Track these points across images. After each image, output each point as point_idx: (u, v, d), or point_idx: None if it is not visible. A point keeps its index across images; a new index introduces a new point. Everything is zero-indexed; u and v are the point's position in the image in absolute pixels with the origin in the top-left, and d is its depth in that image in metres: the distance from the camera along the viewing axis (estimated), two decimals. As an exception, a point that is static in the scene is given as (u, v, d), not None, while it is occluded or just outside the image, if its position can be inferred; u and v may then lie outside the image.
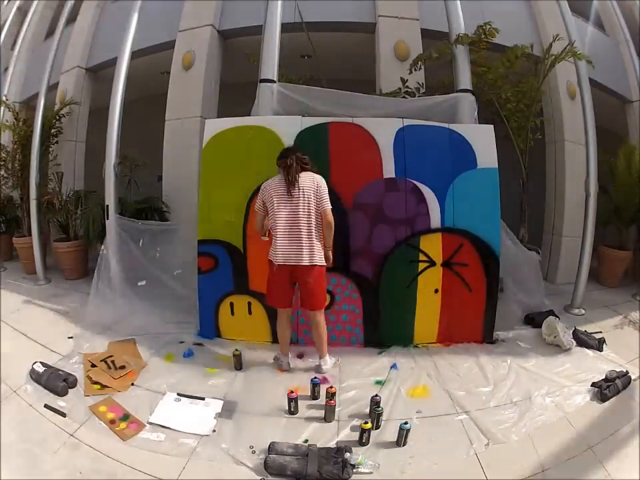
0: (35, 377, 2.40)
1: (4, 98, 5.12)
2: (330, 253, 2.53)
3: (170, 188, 4.30)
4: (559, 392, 2.38)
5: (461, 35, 3.42)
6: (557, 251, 4.60)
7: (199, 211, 2.99)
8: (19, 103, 5.53)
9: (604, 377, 2.45)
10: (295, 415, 2.17)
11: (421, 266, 2.91)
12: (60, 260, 4.59)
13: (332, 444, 1.95)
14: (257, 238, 2.74)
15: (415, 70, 3.71)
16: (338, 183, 2.87)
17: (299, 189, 2.35)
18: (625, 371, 2.53)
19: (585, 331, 3.17)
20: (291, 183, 2.34)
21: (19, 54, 5.95)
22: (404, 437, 1.93)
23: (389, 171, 2.88)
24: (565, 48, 3.53)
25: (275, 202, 2.38)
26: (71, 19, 5.21)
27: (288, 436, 1.99)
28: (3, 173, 5.08)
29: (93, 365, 2.57)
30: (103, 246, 3.48)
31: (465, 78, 3.43)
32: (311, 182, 2.39)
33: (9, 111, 5.00)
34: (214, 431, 2.04)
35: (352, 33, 4.51)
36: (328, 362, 2.61)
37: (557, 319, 3.18)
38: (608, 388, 2.33)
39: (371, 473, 1.78)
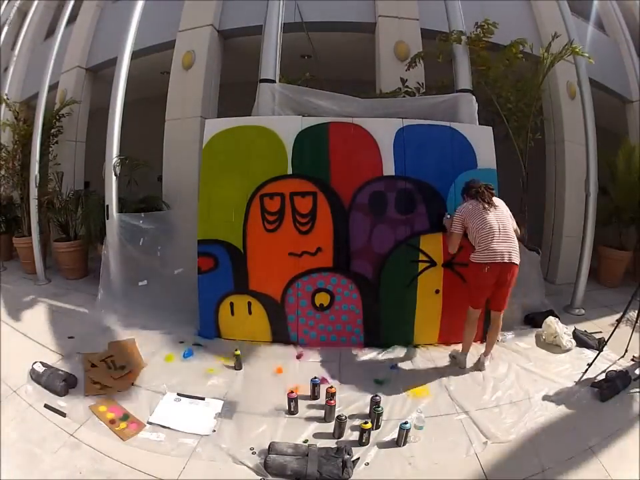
0: (35, 376, 2.40)
1: (5, 97, 5.12)
2: None
3: (170, 188, 4.30)
4: (559, 392, 2.38)
5: (455, 32, 3.42)
6: (557, 251, 4.60)
7: (199, 211, 2.99)
8: (19, 102, 5.51)
9: (604, 377, 2.45)
10: (295, 415, 2.18)
11: (421, 266, 2.91)
12: (60, 260, 4.58)
13: (332, 444, 1.95)
14: (258, 238, 2.72)
15: (413, 66, 3.69)
16: (338, 183, 2.87)
17: (495, 206, 2.61)
18: (625, 370, 2.53)
19: (585, 331, 3.17)
20: (488, 202, 2.59)
21: (19, 54, 5.95)
22: (404, 437, 1.93)
23: (389, 170, 2.89)
24: (565, 46, 3.53)
25: (480, 215, 2.56)
26: (71, 19, 5.20)
27: (288, 436, 2.00)
28: (3, 172, 5.08)
29: (93, 365, 2.57)
30: (103, 246, 3.48)
31: (464, 78, 3.44)
32: (500, 201, 2.69)
33: (10, 110, 5.00)
34: (214, 430, 2.04)
35: (352, 33, 4.51)
36: (488, 360, 2.72)
37: (557, 319, 3.18)
38: (608, 388, 2.33)
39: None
